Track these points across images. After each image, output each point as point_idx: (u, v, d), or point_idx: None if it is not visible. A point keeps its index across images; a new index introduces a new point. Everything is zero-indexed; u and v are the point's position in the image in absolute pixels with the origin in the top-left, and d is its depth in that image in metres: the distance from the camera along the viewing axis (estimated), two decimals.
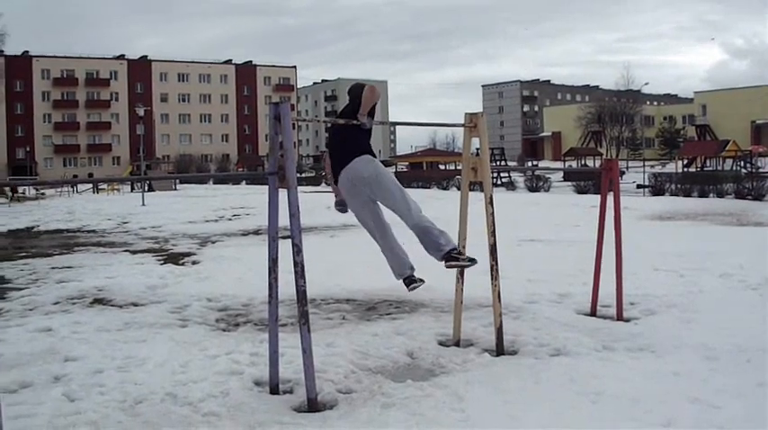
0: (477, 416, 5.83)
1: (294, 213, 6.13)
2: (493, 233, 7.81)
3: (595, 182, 43.23)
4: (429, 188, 57.41)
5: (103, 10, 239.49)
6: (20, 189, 53.93)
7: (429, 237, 7.20)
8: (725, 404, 5.93)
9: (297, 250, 6.14)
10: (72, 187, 62.46)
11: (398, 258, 7.37)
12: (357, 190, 7.34)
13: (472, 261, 7.30)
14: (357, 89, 7.51)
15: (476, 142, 8.16)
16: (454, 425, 5.67)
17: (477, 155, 8.22)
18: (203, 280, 12.97)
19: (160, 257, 16.73)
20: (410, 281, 7.31)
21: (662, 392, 6.26)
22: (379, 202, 7.44)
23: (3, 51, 76.54)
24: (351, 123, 7.25)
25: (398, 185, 7.43)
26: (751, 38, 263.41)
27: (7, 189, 51.74)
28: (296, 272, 6.14)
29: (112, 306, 10.86)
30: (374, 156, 7.47)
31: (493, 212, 7.84)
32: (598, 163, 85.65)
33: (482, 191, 7.96)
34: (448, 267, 7.24)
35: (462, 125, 8.06)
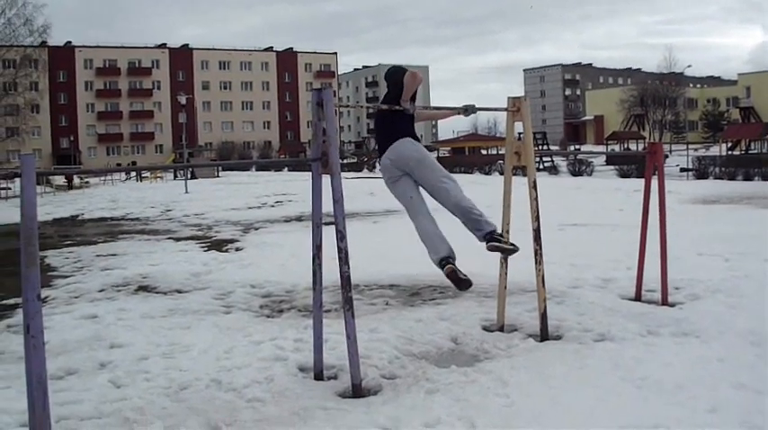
0: (522, 401, 5.81)
1: (338, 199, 6.13)
2: (537, 218, 7.78)
3: (638, 165, 42.96)
4: (471, 173, 57.26)
5: (143, 1, 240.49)
6: (75, 178, 54.67)
7: (470, 217, 7.17)
8: None
9: (341, 236, 6.14)
10: (126, 174, 63.02)
11: (436, 240, 7.33)
12: (399, 172, 7.33)
13: (514, 247, 7.26)
14: (396, 75, 7.48)
15: (518, 126, 8.12)
16: (499, 410, 5.65)
17: (520, 139, 8.18)
18: (246, 266, 13.03)
19: (203, 244, 16.84)
20: (447, 263, 7.23)
21: (707, 378, 6.20)
22: (420, 186, 7.42)
23: (47, 42, 77.16)
24: (393, 109, 7.23)
25: (441, 167, 7.42)
26: None
27: (61, 178, 52.45)
28: (340, 258, 6.15)
29: (157, 293, 10.95)
30: (417, 139, 7.46)
31: (537, 197, 7.80)
32: (641, 146, 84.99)
33: (525, 175, 7.93)
34: (489, 249, 7.20)
35: (505, 109, 8.03)
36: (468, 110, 7.72)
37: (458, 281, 7.03)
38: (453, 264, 7.10)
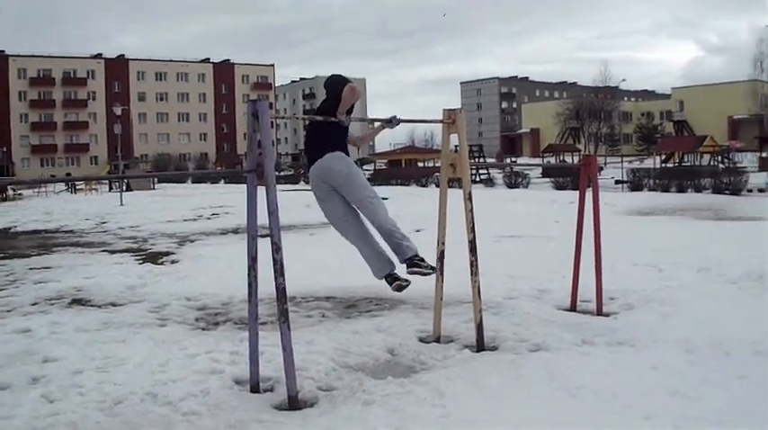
0: (458, 411, 5.84)
1: (273, 211, 6.11)
2: (472, 229, 7.83)
3: (574, 178, 43.34)
4: (408, 185, 57.37)
5: (79, 7, 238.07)
6: (8, 189, 53.81)
7: (393, 240, 7.21)
8: (705, 397, 5.98)
9: (276, 248, 6.13)
10: (67, 185, 62.23)
11: (378, 256, 7.36)
12: (327, 187, 7.33)
13: (433, 269, 7.31)
14: (335, 85, 7.48)
15: (454, 139, 8.16)
16: (435, 421, 5.68)
17: (456, 151, 8.23)
18: (182, 279, 12.94)
19: (139, 257, 16.68)
20: (393, 279, 7.28)
21: (642, 386, 6.29)
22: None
23: None
24: (329, 120, 7.23)
25: (368, 185, 7.42)
26: (726, 34, 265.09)
27: None
28: (275, 270, 6.13)
29: (91, 306, 10.82)
30: (347, 154, 7.45)
31: (472, 209, 7.85)
32: (576, 159, 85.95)
33: (461, 187, 7.97)
34: (409, 273, 7.24)
35: (441, 121, 8.07)
36: (392, 121, 7.74)
37: (400, 288, 7.14)
38: (398, 278, 7.17)
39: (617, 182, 49.95)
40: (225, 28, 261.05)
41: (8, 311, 10.51)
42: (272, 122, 6.54)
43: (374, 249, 7.37)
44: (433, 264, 7.44)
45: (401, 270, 7.30)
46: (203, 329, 9.21)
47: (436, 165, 74.79)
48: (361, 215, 7.42)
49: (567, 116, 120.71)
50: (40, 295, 11.61)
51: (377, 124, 8.32)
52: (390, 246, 7.24)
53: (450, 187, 8.31)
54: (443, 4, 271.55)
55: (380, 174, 71.25)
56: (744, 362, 6.95)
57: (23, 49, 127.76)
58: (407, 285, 7.23)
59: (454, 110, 8.05)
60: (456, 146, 8.32)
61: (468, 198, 7.83)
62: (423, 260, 7.23)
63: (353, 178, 7.29)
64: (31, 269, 14.90)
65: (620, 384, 6.35)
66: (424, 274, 7.22)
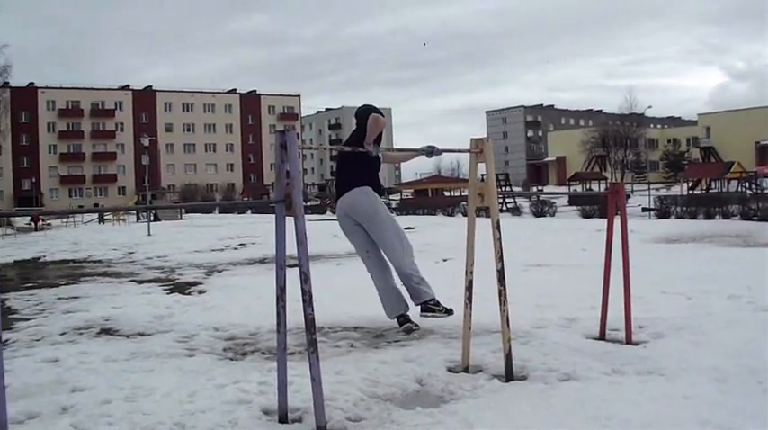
0: None
1: (301, 241, 6.11)
2: (500, 258, 7.80)
3: (600, 206, 43.22)
4: (435, 215, 57.35)
5: (109, 42, 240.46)
6: (43, 218, 54.40)
7: (410, 284, 7.22)
8: (737, 426, 5.90)
9: (304, 278, 6.12)
10: (99, 216, 62.64)
11: (393, 296, 7.34)
12: (352, 221, 7.35)
13: (449, 312, 7.29)
14: (363, 115, 7.51)
15: (481, 168, 8.16)
16: None
17: (483, 180, 8.22)
18: (210, 309, 12.95)
19: (166, 287, 16.72)
20: (405, 320, 7.27)
21: (673, 416, 6.23)
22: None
23: (8, 83, 76.84)
24: (357, 151, 7.25)
25: (393, 223, 7.40)
26: (751, 60, 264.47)
27: (23, 220, 52.11)
28: (304, 300, 6.12)
29: (119, 336, 10.85)
30: (378, 187, 7.45)
31: (500, 238, 7.82)
32: (603, 187, 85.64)
33: (488, 216, 7.96)
34: (422, 316, 7.23)
35: (468, 151, 8.07)
36: (431, 151, 7.74)
37: (410, 331, 7.12)
38: (410, 321, 7.15)
39: (644, 209, 49.82)
40: (251, 60, 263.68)
41: (37, 341, 10.55)
42: (299, 153, 6.55)
43: (390, 288, 7.38)
44: (450, 307, 7.41)
45: (415, 312, 7.28)
46: (231, 359, 9.20)
47: (463, 193, 74.82)
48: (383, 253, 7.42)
49: (592, 144, 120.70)
50: (68, 325, 11.65)
51: (414, 152, 8.32)
52: (408, 289, 7.25)
53: (477, 216, 8.30)
54: (469, 33, 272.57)
55: (407, 203, 71.35)
56: None
57: (52, 82, 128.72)
58: (417, 329, 7.20)
59: (481, 139, 8.04)
60: (483, 175, 8.32)
61: (497, 227, 7.81)
62: (438, 304, 7.22)
63: (378, 217, 7.30)
64: (59, 299, 14.96)
65: (651, 414, 6.29)
66: (439, 317, 7.20)
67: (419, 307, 7.14)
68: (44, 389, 7.72)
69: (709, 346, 8.78)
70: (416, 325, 7.09)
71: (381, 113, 7.91)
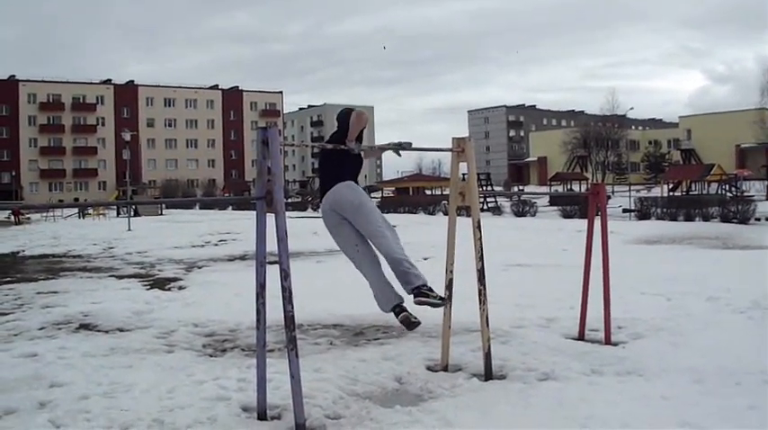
0: None
1: (282, 238, 6.11)
2: (481, 258, 7.81)
3: (581, 206, 43.35)
4: (416, 213, 57.36)
5: (91, 37, 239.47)
6: (23, 212, 54.10)
7: (400, 269, 7.14)
8: (714, 427, 5.94)
9: (284, 275, 6.11)
10: (79, 210, 62.39)
11: (386, 290, 7.31)
12: (338, 216, 7.33)
13: (443, 300, 7.24)
14: (345, 115, 7.51)
15: (463, 167, 8.17)
16: None
17: (465, 179, 8.23)
18: (190, 305, 12.93)
19: (146, 282, 16.68)
20: (401, 310, 7.22)
21: (651, 416, 6.26)
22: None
23: None
24: (338, 148, 7.24)
25: (379, 215, 7.39)
26: (732, 63, 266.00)
27: (3, 214, 51.85)
28: (284, 297, 6.11)
29: (98, 331, 10.81)
30: (357, 183, 7.46)
31: (480, 237, 7.84)
32: (584, 187, 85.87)
33: (469, 216, 7.97)
34: (416, 303, 7.18)
35: (450, 149, 8.07)
36: (401, 147, 7.69)
37: (409, 324, 7.06)
38: (406, 310, 7.11)
39: (624, 210, 49.99)
40: (234, 56, 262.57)
41: (15, 335, 10.50)
42: (280, 149, 6.54)
43: (384, 280, 7.34)
44: (443, 295, 7.40)
45: (410, 304, 7.25)
46: (211, 356, 9.19)
47: (444, 192, 74.87)
48: (373, 246, 7.39)
49: (574, 144, 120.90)
50: (47, 320, 11.60)
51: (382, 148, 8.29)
52: (397, 275, 7.19)
53: (458, 215, 8.31)
54: (452, 33, 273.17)
55: (388, 201, 71.27)
56: (755, 392, 6.92)
57: (34, 75, 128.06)
58: (417, 324, 7.14)
59: (463, 138, 8.06)
60: (465, 174, 8.33)
61: (477, 226, 7.82)
62: (431, 290, 7.17)
63: (364, 209, 7.27)
64: (38, 293, 14.89)
65: (629, 414, 6.31)
66: (433, 305, 7.15)
67: (412, 295, 7.09)
68: (22, 385, 7.68)
69: (688, 347, 8.84)
70: (415, 316, 7.04)
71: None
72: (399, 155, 7.90)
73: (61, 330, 10.86)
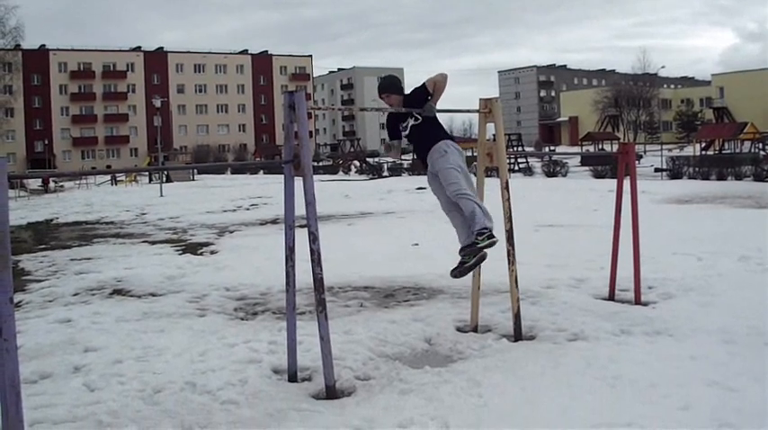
0: (495, 401, 5.83)
1: (310, 201, 6.13)
2: (509, 218, 7.81)
3: (613, 166, 43.01)
4: None
5: (122, 5, 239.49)
6: (50, 181, 54.51)
7: (470, 208, 7.19)
8: (743, 387, 5.91)
9: (313, 238, 6.15)
10: (111, 178, 62.76)
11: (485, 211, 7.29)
12: (436, 179, 7.46)
13: (491, 238, 7.16)
14: (396, 84, 7.60)
15: (491, 128, 8.16)
16: (472, 410, 5.67)
17: (493, 140, 8.21)
18: (221, 269, 13.02)
19: (178, 248, 16.80)
20: (490, 235, 7.13)
21: (680, 376, 6.24)
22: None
23: (20, 45, 76.81)
24: (413, 112, 7.36)
25: (455, 178, 7.30)
26: (763, 21, 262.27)
27: (36, 182, 52.21)
28: (312, 260, 6.15)
29: (131, 296, 10.93)
30: (450, 138, 7.53)
31: (509, 198, 7.83)
32: (615, 147, 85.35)
33: (498, 177, 7.96)
34: (463, 255, 7.22)
35: (477, 111, 8.05)
36: (425, 110, 7.63)
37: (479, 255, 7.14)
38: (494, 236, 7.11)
39: (656, 170, 49.54)
40: (264, 22, 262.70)
41: (50, 302, 10.63)
42: (309, 113, 6.56)
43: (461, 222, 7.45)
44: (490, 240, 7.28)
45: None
46: (242, 319, 9.27)
47: (474, 154, 74.13)
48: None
49: (605, 104, 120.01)
50: (80, 286, 11.73)
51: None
52: (468, 214, 7.23)
53: (487, 176, 8.30)
54: None
55: (418, 164, 71.09)
56: None
57: (63, 44, 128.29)
58: (486, 250, 7.11)
59: (490, 99, 8.03)
60: (493, 135, 8.31)
61: (506, 187, 7.81)
62: (492, 235, 7.11)
63: (445, 158, 7.32)
64: (72, 260, 15.06)
65: (658, 374, 6.31)
66: (478, 259, 7.22)
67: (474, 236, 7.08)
68: (57, 350, 7.79)
69: (718, 307, 8.79)
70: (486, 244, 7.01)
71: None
72: (424, 115, 7.86)
73: (95, 296, 10.98)
